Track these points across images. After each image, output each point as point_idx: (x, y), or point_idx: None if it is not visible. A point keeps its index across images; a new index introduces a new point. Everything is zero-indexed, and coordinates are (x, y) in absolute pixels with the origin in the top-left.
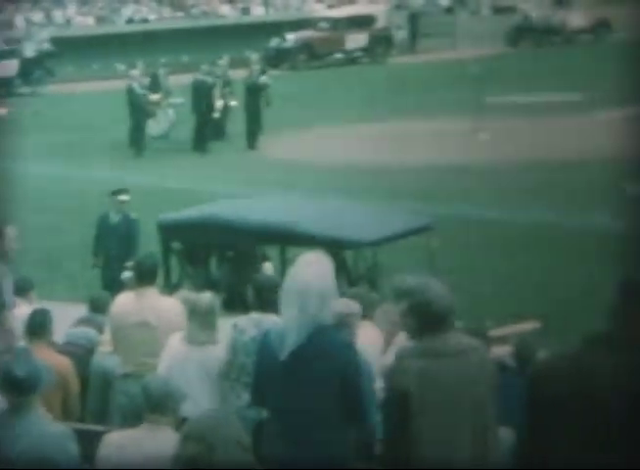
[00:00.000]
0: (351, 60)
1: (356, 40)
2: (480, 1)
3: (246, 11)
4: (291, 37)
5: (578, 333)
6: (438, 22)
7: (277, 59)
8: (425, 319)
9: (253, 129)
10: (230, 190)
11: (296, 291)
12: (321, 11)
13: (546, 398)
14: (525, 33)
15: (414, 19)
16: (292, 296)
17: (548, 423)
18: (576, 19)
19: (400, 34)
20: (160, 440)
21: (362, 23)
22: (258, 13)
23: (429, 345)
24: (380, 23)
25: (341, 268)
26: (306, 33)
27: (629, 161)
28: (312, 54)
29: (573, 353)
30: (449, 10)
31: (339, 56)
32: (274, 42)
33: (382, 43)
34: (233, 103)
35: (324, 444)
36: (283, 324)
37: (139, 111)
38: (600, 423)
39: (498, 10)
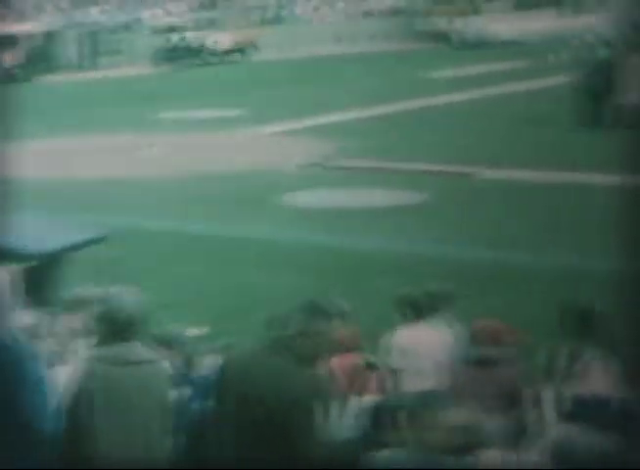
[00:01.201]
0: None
1: (8, 59)
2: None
3: None
4: None
5: (245, 336)
6: (114, 39)
7: None
8: (113, 326)
9: None
10: None
11: None
12: None
13: (224, 391)
14: (172, 53)
15: (91, 37)
16: None
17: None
18: (224, 39)
19: (76, 52)
20: None
21: (14, 41)
22: None
23: (111, 352)
24: (34, 42)
25: (23, 281)
26: None
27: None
28: None
29: (250, 354)
30: (125, 28)
31: None
32: None
33: (37, 61)
34: None
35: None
36: None
37: None
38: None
39: (161, 30)
